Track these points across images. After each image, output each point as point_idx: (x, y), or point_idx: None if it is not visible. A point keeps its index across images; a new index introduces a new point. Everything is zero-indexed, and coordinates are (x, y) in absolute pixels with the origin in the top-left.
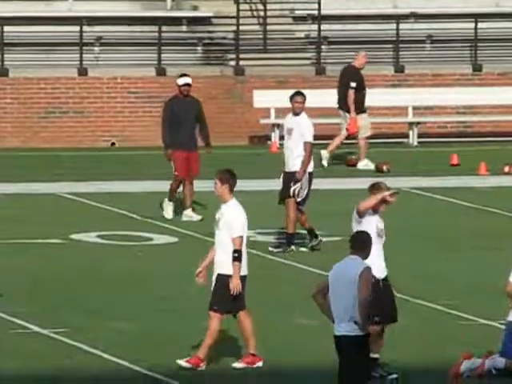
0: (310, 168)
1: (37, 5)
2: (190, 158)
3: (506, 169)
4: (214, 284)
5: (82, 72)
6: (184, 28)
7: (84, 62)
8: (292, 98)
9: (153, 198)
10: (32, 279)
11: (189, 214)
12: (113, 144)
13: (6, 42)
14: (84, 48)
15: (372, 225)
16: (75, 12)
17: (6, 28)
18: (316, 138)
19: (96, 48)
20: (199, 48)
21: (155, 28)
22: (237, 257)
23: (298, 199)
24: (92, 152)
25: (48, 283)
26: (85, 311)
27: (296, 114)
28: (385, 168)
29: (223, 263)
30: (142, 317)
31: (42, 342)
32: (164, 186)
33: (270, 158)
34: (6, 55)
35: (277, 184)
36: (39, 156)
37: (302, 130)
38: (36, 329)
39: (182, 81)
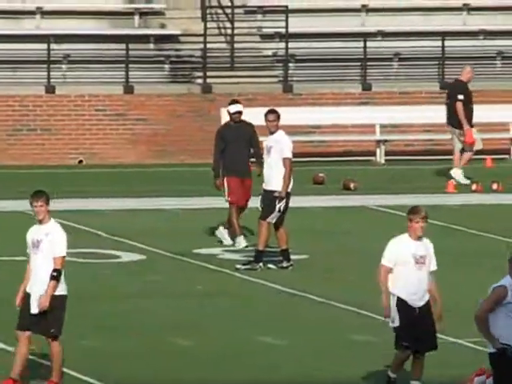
0: (289, 189)
1: (4, 22)
2: (243, 184)
3: (474, 187)
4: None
5: (50, 90)
6: (151, 46)
7: (51, 80)
8: (265, 116)
9: (120, 215)
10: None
11: (221, 233)
12: (80, 161)
13: None
14: (51, 66)
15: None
16: (43, 30)
17: None
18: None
19: (63, 66)
20: (166, 66)
21: (123, 46)
22: (55, 276)
23: (270, 219)
24: (60, 169)
25: (13, 301)
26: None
27: (271, 132)
28: (352, 186)
29: (45, 284)
30: (107, 335)
31: (4, 358)
32: (131, 203)
33: None
34: None
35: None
36: (6, 173)
37: (280, 146)
38: (4, 347)
39: (233, 108)
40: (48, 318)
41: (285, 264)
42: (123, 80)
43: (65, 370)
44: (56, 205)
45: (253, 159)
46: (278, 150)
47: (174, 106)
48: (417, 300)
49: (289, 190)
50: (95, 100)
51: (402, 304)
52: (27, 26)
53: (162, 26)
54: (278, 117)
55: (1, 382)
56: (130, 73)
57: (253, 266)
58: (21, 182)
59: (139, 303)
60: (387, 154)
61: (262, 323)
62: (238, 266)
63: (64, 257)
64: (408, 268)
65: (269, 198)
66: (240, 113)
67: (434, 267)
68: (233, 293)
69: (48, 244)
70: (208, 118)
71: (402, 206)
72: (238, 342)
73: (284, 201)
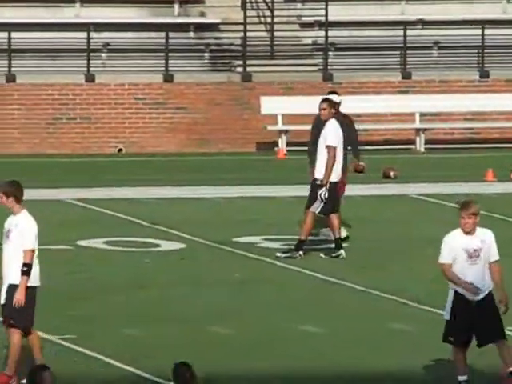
0: (334, 178)
1: (44, 11)
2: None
3: None
4: (4, 297)
5: (90, 78)
6: (191, 34)
7: (91, 69)
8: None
9: (160, 203)
10: (40, 285)
11: (326, 233)
12: (120, 150)
13: (13, 48)
14: (91, 54)
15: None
16: (83, 18)
17: (13, 34)
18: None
19: (103, 54)
20: (206, 54)
21: (162, 34)
22: (24, 271)
23: (314, 209)
24: (99, 158)
25: (56, 289)
26: (91, 317)
27: (324, 121)
28: (392, 174)
29: (16, 274)
30: (151, 324)
31: (49, 348)
32: (171, 192)
33: (277, 165)
34: (13, 61)
35: (281, 190)
36: (46, 162)
37: (325, 134)
38: (43, 335)
39: (337, 98)
40: (11, 308)
41: (334, 253)
42: (163, 68)
43: (105, 358)
44: (95, 193)
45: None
46: (322, 138)
47: (214, 94)
48: (474, 294)
49: (335, 180)
50: (135, 89)
51: (458, 298)
52: (67, 15)
53: (202, 15)
54: (330, 105)
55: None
56: (169, 61)
57: (293, 255)
58: (61, 170)
59: (179, 292)
60: (427, 142)
61: (301, 311)
62: (278, 254)
63: (32, 250)
64: (461, 262)
65: (313, 186)
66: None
67: (494, 257)
68: (272, 280)
69: (17, 235)
70: (247, 106)
71: (441, 195)
72: (277, 330)
73: (325, 189)
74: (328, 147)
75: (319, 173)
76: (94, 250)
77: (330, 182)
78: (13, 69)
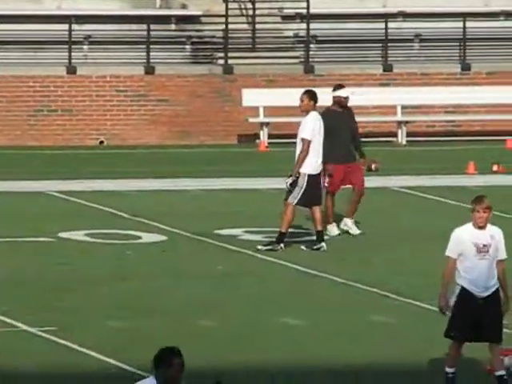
0: (311, 171)
1: (26, 3)
2: (350, 169)
3: (495, 167)
4: None
5: (71, 70)
6: (173, 26)
7: (73, 61)
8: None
9: (141, 196)
10: (20, 277)
11: (349, 224)
12: (101, 142)
13: None
14: (73, 46)
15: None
16: (64, 10)
17: None
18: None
19: (85, 46)
20: (188, 46)
21: (144, 26)
22: None
23: (291, 200)
24: (80, 150)
25: (36, 281)
26: (73, 309)
27: (305, 113)
28: (373, 167)
29: None
30: (132, 316)
31: (29, 340)
32: (152, 184)
33: (259, 157)
34: None
35: (263, 183)
36: (28, 154)
37: (302, 127)
38: (24, 327)
39: (345, 93)
40: None
41: (315, 246)
42: (144, 61)
43: (87, 351)
44: (77, 185)
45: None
46: (300, 130)
47: (195, 86)
48: (480, 290)
49: (314, 172)
50: (116, 81)
51: (464, 293)
52: (48, 7)
53: (184, 7)
54: (309, 97)
55: None
56: (151, 53)
57: (274, 247)
58: (42, 162)
59: (160, 284)
60: (408, 135)
61: (282, 303)
62: (259, 247)
63: None
64: (470, 257)
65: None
66: (345, 97)
67: (502, 256)
68: (254, 273)
69: None
70: (229, 98)
71: (423, 187)
72: (258, 322)
73: (291, 179)
74: (303, 140)
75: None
76: (76, 242)
77: (309, 175)
78: None
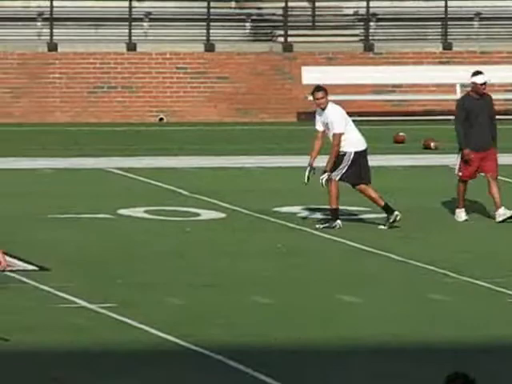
0: (359, 147)
1: None
2: (485, 157)
3: None
4: None
5: (131, 47)
6: (233, 4)
7: (133, 38)
8: (312, 94)
9: (200, 173)
10: (81, 254)
11: (502, 213)
12: (161, 119)
13: (54, 16)
14: (133, 23)
15: None
16: None
17: (55, 3)
18: (368, 114)
19: (145, 23)
20: (248, 24)
21: (204, 4)
22: None
23: (334, 176)
24: (140, 127)
25: (96, 258)
26: (133, 286)
27: (322, 109)
28: (432, 145)
29: None
30: (190, 292)
31: (89, 317)
32: (212, 161)
33: None
34: (54, 30)
35: (323, 160)
36: (88, 131)
37: (331, 122)
38: (84, 303)
39: (480, 79)
40: None
41: (389, 220)
42: (204, 38)
43: (146, 327)
44: (136, 162)
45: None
46: (330, 125)
47: (255, 64)
48: None
49: (360, 149)
50: (176, 58)
51: None
52: None
53: None
54: (325, 93)
55: None
56: (211, 31)
57: (330, 224)
58: (102, 139)
59: (219, 261)
60: None
61: (340, 281)
62: (317, 226)
63: None
64: None
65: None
66: (485, 83)
67: None
68: (313, 251)
69: None
70: (289, 76)
71: None
72: (318, 300)
73: (326, 175)
74: (334, 135)
75: (343, 147)
76: (135, 219)
77: (354, 152)
78: (54, 37)
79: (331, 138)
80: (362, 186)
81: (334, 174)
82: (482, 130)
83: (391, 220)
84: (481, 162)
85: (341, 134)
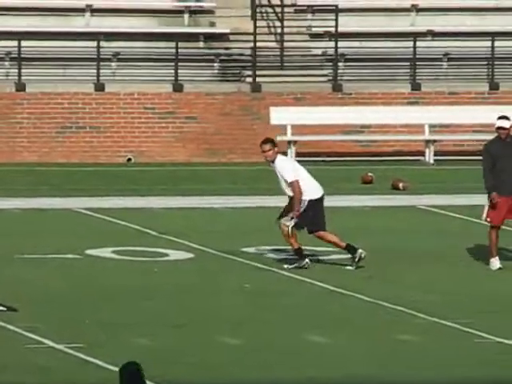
0: (313, 195)
1: (54, 20)
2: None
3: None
4: None
5: (99, 87)
6: (201, 44)
7: (101, 78)
8: (260, 147)
9: (169, 213)
10: (48, 294)
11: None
12: (129, 160)
13: (22, 56)
14: (101, 63)
15: None
16: (92, 27)
17: (22, 43)
18: (336, 154)
19: (113, 63)
20: (216, 64)
21: (172, 44)
22: None
23: (287, 222)
24: (108, 167)
25: (64, 298)
26: (100, 326)
27: (271, 161)
28: (401, 186)
29: None
30: (158, 332)
31: (56, 357)
32: (180, 201)
33: None
34: (22, 70)
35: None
36: (55, 171)
37: (281, 174)
38: (51, 344)
39: (506, 123)
40: None
41: (355, 260)
42: (172, 78)
43: (114, 368)
44: (104, 202)
45: None
46: (281, 177)
47: (223, 104)
48: None
49: (314, 197)
50: (144, 98)
51: None
52: (77, 24)
53: (212, 25)
54: (272, 145)
55: None
56: (179, 71)
57: (299, 264)
58: (70, 179)
59: (187, 301)
60: (436, 154)
61: (309, 322)
62: (286, 266)
63: None
64: None
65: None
66: (503, 128)
67: None
68: (280, 291)
69: None
70: (257, 116)
71: (451, 206)
72: (286, 339)
73: (292, 221)
74: (291, 184)
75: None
76: (103, 259)
77: (309, 200)
78: (23, 77)
79: (286, 189)
80: (321, 233)
81: (285, 218)
82: (508, 174)
83: (357, 259)
84: (510, 208)
85: (297, 181)
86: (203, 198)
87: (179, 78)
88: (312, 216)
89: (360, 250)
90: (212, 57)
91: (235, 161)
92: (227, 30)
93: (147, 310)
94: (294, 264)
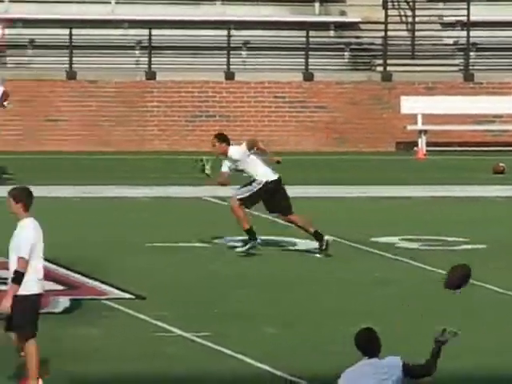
0: (267, 178)
1: (185, 8)
2: None
3: None
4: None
5: (229, 76)
6: (332, 33)
7: (231, 66)
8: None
9: (296, 202)
10: (177, 283)
11: None
12: None
13: (153, 45)
14: (231, 52)
15: None
16: (223, 16)
17: (154, 31)
18: (467, 144)
19: (243, 52)
20: (346, 53)
21: (303, 33)
22: (14, 278)
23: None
24: None
25: (193, 287)
26: (227, 315)
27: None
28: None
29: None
30: (287, 322)
31: (184, 346)
32: (308, 190)
33: (416, 165)
34: (153, 58)
35: (420, 190)
36: (185, 159)
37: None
38: (179, 332)
39: None
40: (15, 318)
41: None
42: (303, 67)
43: (241, 357)
44: (231, 191)
45: None
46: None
47: (354, 93)
48: None
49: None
50: (275, 87)
51: None
52: (208, 12)
53: (343, 14)
54: (220, 140)
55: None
56: (309, 60)
57: (253, 244)
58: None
59: (311, 290)
60: None
61: (437, 312)
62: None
63: (23, 258)
64: None
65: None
66: None
67: None
68: (408, 280)
69: (16, 242)
70: (387, 105)
71: None
72: (411, 330)
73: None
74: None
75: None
76: (229, 248)
77: (266, 181)
78: (153, 66)
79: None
80: (292, 217)
81: (238, 192)
82: None
83: (323, 247)
84: None
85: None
86: (333, 187)
87: (310, 67)
88: (269, 197)
89: (326, 237)
90: (342, 46)
91: (365, 150)
92: (358, 19)
93: (272, 301)
94: (245, 246)
